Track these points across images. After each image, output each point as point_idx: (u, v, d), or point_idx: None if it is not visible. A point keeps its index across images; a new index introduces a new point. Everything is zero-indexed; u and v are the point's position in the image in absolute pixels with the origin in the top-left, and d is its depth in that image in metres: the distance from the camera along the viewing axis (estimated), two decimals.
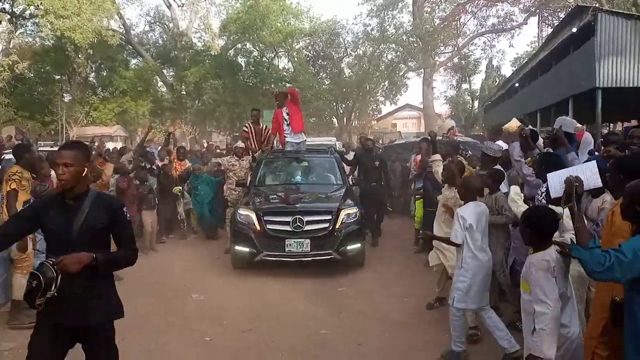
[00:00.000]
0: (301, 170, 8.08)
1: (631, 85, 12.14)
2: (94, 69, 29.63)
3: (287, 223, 6.33)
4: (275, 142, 8.70)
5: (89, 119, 26.16)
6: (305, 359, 4.27)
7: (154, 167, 8.90)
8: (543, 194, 3.87)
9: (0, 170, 5.71)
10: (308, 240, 6.26)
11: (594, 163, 3.30)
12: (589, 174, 3.13)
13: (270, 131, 8.72)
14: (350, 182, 8.09)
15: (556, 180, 3.09)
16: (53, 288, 2.41)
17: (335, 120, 36.34)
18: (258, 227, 6.36)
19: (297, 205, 6.57)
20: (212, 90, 27.34)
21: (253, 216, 6.45)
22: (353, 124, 37.01)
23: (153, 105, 28.97)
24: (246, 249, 6.43)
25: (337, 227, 6.39)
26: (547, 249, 2.80)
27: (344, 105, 35.06)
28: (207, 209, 8.78)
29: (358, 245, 6.59)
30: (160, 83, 31.38)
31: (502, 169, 5.17)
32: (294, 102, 8.27)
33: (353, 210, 6.63)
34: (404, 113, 50.78)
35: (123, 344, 3.64)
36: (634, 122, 17.25)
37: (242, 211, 6.62)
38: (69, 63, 25.74)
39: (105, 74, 29.24)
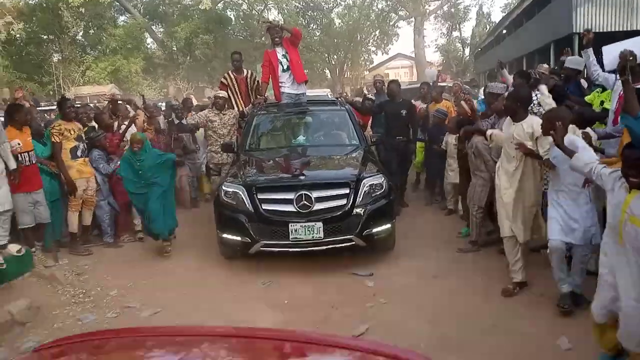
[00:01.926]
0: (305, 128, 6.48)
1: (605, 29, 12.79)
2: (82, 27, 29.47)
3: (289, 201, 4.77)
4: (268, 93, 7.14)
5: (85, 78, 26.39)
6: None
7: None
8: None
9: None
10: (320, 224, 4.71)
11: None
12: None
13: (258, 79, 7.20)
14: (370, 140, 6.33)
15: (611, 54, 2.97)
16: None
17: (327, 72, 36.59)
18: (251, 208, 4.84)
19: (301, 177, 5.00)
20: (203, 45, 27.44)
21: (243, 193, 4.90)
22: (345, 75, 37.30)
23: (145, 63, 29.12)
24: (237, 238, 4.90)
25: (358, 203, 4.85)
26: None
27: (335, 57, 35.22)
28: (160, 205, 5.51)
29: (387, 225, 5.02)
30: (150, 40, 31.37)
31: None
32: (293, 45, 6.72)
33: (378, 179, 5.06)
34: (396, 62, 50.78)
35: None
36: None
37: (229, 187, 5.06)
38: (56, 22, 25.61)
39: (93, 32, 29.15)
